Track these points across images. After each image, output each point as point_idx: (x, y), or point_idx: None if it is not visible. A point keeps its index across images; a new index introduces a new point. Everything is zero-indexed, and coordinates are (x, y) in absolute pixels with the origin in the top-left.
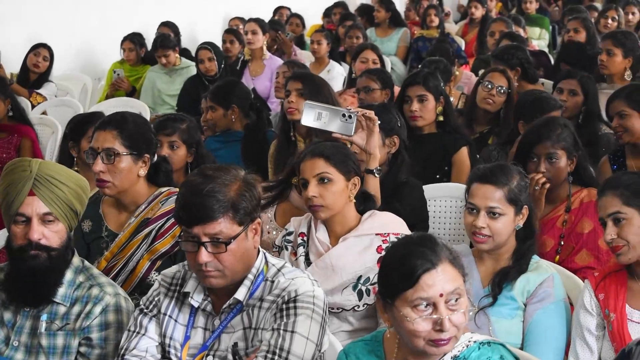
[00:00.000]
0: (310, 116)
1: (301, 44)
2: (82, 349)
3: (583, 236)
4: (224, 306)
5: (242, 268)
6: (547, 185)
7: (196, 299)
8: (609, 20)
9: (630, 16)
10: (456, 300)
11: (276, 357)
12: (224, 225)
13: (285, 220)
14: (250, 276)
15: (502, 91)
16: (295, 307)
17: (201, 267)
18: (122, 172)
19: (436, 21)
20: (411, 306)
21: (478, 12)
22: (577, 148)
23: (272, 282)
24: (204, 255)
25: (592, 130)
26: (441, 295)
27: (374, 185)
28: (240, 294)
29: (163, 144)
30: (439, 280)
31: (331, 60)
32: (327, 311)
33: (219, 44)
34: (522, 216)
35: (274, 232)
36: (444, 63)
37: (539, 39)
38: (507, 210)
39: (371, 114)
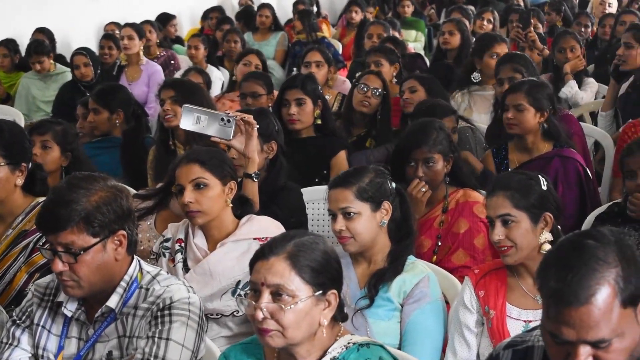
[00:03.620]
0: (189, 120)
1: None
2: None
3: (459, 236)
4: (97, 315)
5: (100, 280)
6: (429, 193)
7: (69, 309)
8: (484, 22)
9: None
10: (280, 295)
11: None
12: (75, 236)
13: (166, 228)
14: (123, 284)
15: (377, 93)
16: (170, 315)
17: (59, 276)
18: None
19: (299, 26)
20: (250, 290)
21: (358, 17)
22: (453, 150)
23: (147, 289)
24: (58, 264)
25: None
26: (262, 284)
27: (252, 190)
28: (112, 301)
29: (35, 143)
30: (264, 269)
31: (209, 65)
32: (203, 318)
33: (95, 49)
34: (386, 212)
35: (155, 240)
36: None
37: (415, 41)
38: (360, 208)
39: (250, 118)
